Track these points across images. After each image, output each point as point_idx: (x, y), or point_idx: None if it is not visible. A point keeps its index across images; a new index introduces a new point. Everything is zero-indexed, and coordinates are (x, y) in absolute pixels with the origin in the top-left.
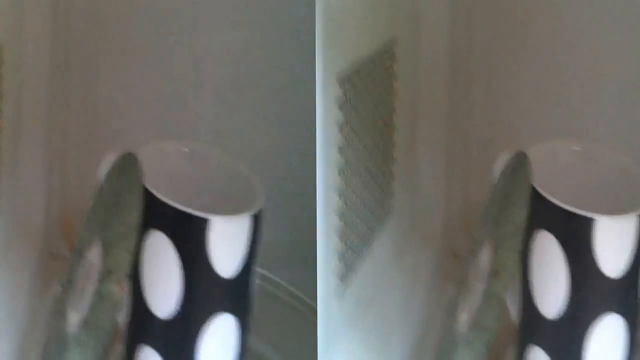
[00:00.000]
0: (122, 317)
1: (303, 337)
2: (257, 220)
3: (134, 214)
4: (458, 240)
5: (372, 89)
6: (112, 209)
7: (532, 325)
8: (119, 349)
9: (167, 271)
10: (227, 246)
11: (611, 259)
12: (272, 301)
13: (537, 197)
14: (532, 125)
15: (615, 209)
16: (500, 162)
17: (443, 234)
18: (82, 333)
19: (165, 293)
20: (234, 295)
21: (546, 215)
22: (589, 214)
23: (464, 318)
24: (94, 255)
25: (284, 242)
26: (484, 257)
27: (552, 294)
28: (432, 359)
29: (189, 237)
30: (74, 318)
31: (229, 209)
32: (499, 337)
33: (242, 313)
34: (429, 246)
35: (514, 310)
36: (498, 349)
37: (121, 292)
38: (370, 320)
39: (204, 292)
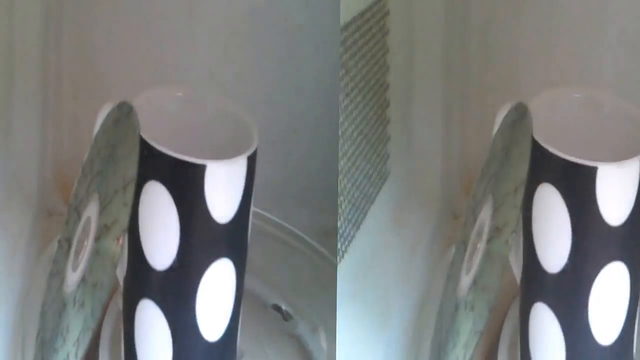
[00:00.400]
0: (121, 272)
1: (304, 276)
2: (251, 163)
3: (130, 166)
4: (458, 202)
5: (363, 45)
6: (108, 162)
7: (535, 281)
8: (119, 305)
9: (165, 221)
10: (223, 191)
11: (614, 207)
12: (269, 240)
13: (537, 149)
14: (531, 78)
15: (617, 156)
16: (500, 116)
17: (442, 196)
18: (80, 292)
19: (163, 243)
20: (231, 240)
21: (547, 167)
22: (590, 163)
23: (465, 281)
24: (90, 211)
25: (277, 181)
26: (485, 215)
27: (555, 246)
28: (434, 325)
29: (186, 185)
30: (72, 277)
31: (224, 152)
32: (502, 297)
33: (239, 257)
34: (428, 208)
35: (516, 268)
36: (501, 309)
37: (119, 247)
38: (370, 286)
39: (202, 240)
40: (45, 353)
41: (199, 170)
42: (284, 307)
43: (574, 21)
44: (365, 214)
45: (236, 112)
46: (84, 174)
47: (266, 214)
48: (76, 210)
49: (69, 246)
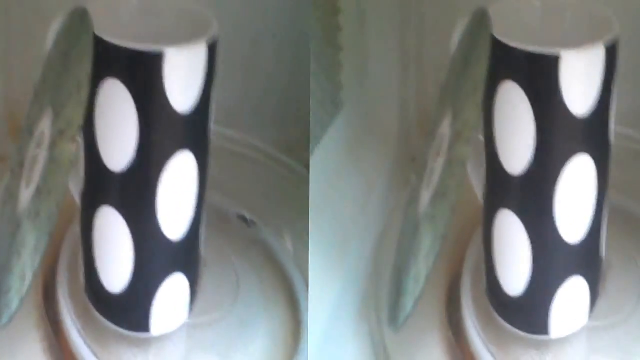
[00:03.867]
0: (76, 180)
1: (266, 186)
2: (211, 52)
3: (85, 67)
4: (415, 143)
5: None
6: (62, 71)
7: (499, 186)
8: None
9: (123, 117)
10: (183, 79)
11: (578, 97)
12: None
13: (497, 47)
14: None
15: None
16: (460, 27)
17: (399, 135)
18: (34, 202)
19: (121, 140)
20: (192, 131)
21: (508, 63)
22: (552, 51)
23: (425, 196)
24: (44, 124)
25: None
26: (444, 127)
27: (519, 146)
28: (393, 257)
29: (144, 76)
30: (25, 194)
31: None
32: (466, 214)
33: (200, 149)
34: (384, 146)
35: (477, 178)
36: (464, 225)
37: (74, 149)
38: (326, 220)
39: (162, 131)
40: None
41: (157, 59)
42: (247, 216)
43: None
44: (318, 142)
45: (194, 9)
46: (36, 95)
47: (228, 130)
48: (29, 131)
49: (21, 167)
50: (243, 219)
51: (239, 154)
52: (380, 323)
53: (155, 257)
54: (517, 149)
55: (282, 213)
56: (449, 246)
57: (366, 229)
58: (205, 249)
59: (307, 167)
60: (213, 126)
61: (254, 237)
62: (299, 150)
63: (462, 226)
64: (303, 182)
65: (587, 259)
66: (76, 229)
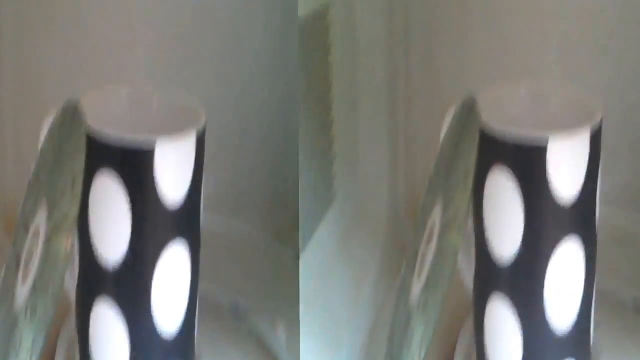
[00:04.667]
0: (72, 275)
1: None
2: (200, 142)
3: (78, 161)
4: (406, 232)
5: (306, 57)
6: (56, 165)
7: (489, 273)
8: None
9: (116, 210)
10: (174, 170)
11: (567, 182)
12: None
13: (486, 135)
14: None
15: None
16: (448, 117)
17: (389, 225)
18: (31, 300)
19: (115, 234)
20: (184, 222)
21: (497, 150)
22: (540, 137)
23: (417, 287)
24: (39, 219)
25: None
26: (435, 215)
27: (508, 233)
28: (385, 348)
29: (136, 168)
30: (22, 291)
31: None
32: (455, 302)
33: (193, 238)
34: (375, 236)
35: (466, 268)
36: (454, 313)
37: (69, 243)
38: (318, 312)
39: (155, 223)
40: None
41: (148, 151)
42: (241, 305)
43: (519, 29)
44: (310, 234)
45: (183, 102)
46: (30, 190)
47: (217, 217)
48: (24, 226)
49: (18, 263)
50: (236, 308)
51: (229, 241)
52: None
53: (151, 352)
54: (507, 237)
55: (273, 300)
56: (439, 334)
57: (358, 321)
58: (199, 340)
59: (297, 252)
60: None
61: (247, 328)
62: (288, 237)
63: (451, 314)
64: (294, 268)
65: (577, 345)
66: (72, 324)
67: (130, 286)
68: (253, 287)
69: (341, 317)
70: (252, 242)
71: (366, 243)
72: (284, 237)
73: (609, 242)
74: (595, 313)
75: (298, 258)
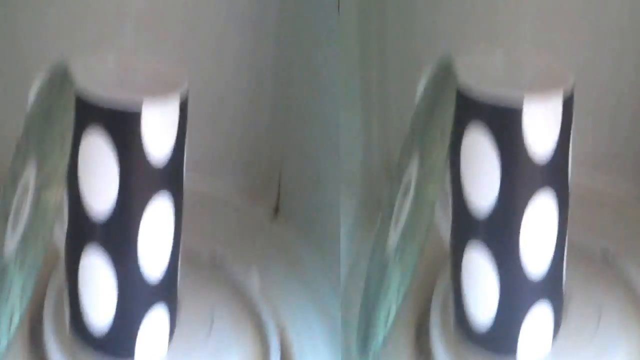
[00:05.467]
0: (60, 226)
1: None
2: (184, 105)
3: (67, 120)
4: (381, 190)
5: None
6: (45, 124)
7: (466, 224)
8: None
9: (104, 166)
10: (159, 130)
11: (540, 141)
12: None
13: (463, 94)
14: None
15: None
16: (425, 75)
17: (364, 181)
18: (20, 250)
19: (103, 188)
20: (168, 178)
21: (474, 109)
22: (517, 97)
23: (393, 237)
24: (28, 175)
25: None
26: (412, 170)
27: (484, 185)
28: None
29: (123, 128)
30: (11, 241)
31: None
32: (431, 251)
33: (176, 191)
34: (350, 191)
35: (442, 219)
36: (430, 262)
37: (59, 197)
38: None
39: (140, 180)
40: None
41: (135, 112)
42: (218, 253)
43: None
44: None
45: (167, 67)
46: (19, 148)
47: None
48: (12, 183)
49: (7, 215)
50: (213, 256)
51: (209, 198)
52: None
53: (137, 295)
54: (483, 189)
55: (248, 252)
56: (416, 283)
57: (334, 270)
58: (180, 287)
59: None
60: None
61: (224, 274)
62: (263, 196)
63: (428, 263)
64: (267, 224)
65: (550, 290)
66: (60, 272)
67: (118, 236)
68: (230, 239)
69: (316, 267)
70: (229, 200)
71: (342, 195)
72: (259, 196)
73: (582, 200)
74: (566, 262)
75: (271, 215)
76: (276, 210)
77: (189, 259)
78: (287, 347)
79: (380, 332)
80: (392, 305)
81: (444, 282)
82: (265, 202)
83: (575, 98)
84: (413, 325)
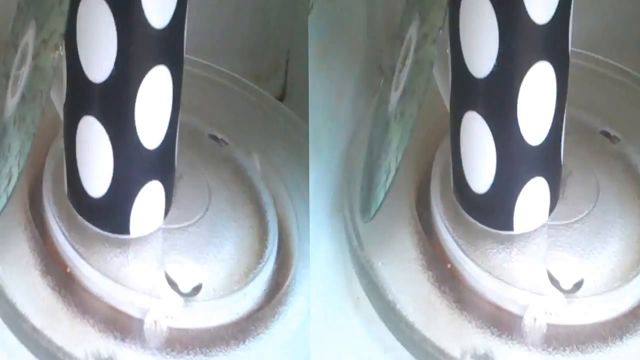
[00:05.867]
0: (60, 91)
1: (238, 111)
2: None
3: None
4: (383, 52)
5: None
6: None
7: (465, 89)
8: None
9: (102, 29)
10: None
11: (540, 5)
12: (205, 83)
13: None
14: None
15: None
16: None
17: (367, 45)
18: (19, 110)
19: (101, 52)
20: (168, 47)
21: None
22: None
23: (394, 96)
24: (28, 36)
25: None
26: (412, 31)
27: (483, 50)
28: (364, 155)
29: None
30: (11, 102)
31: None
32: (434, 117)
33: (175, 64)
34: (354, 56)
35: (443, 85)
36: (433, 128)
37: (57, 57)
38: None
39: (140, 46)
40: None
41: None
42: (219, 136)
43: None
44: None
45: None
46: (19, 10)
47: (198, 59)
48: (13, 45)
49: (7, 77)
50: (215, 138)
51: (212, 81)
52: (353, 217)
53: (134, 164)
54: (482, 54)
55: (251, 136)
56: (418, 147)
57: (337, 131)
58: (179, 163)
59: (276, 95)
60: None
61: (225, 155)
62: (267, 80)
63: (430, 128)
64: (270, 108)
65: (547, 161)
66: (60, 139)
67: (115, 103)
68: (233, 122)
69: (322, 127)
70: (235, 84)
71: (344, 61)
72: (263, 80)
73: (586, 81)
74: (566, 137)
75: (276, 101)
76: (282, 97)
77: (191, 137)
78: (285, 226)
79: (381, 190)
80: (391, 164)
81: (445, 147)
82: (272, 89)
83: None
84: (414, 189)
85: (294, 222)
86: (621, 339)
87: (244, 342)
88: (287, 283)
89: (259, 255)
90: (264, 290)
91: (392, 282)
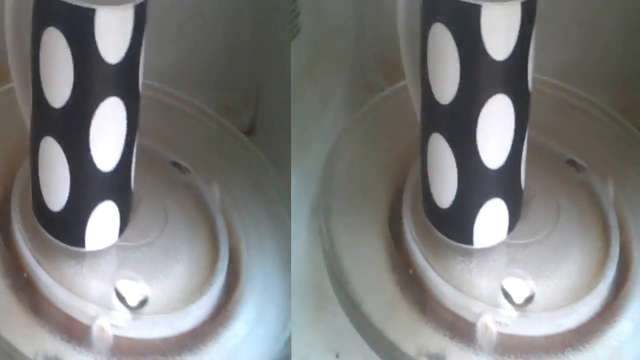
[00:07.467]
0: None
1: (202, 140)
2: (140, 12)
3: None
4: (370, 70)
5: None
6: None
7: (430, 113)
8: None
9: (60, 62)
10: (113, 34)
11: (498, 43)
12: (171, 111)
13: None
14: None
15: None
16: None
17: (354, 62)
18: None
19: (59, 83)
20: (121, 80)
21: (438, 8)
22: (475, 1)
23: None
24: None
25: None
26: None
27: (445, 79)
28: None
29: (78, 29)
30: None
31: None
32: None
33: (129, 96)
34: (338, 71)
35: (417, 103)
36: (408, 145)
37: None
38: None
39: (93, 78)
40: None
41: (89, 14)
42: (182, 164)
43: None
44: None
45: None
46: None
47: (170, 89)
48: None
49: None
50: (177, 165)
51: (180, 111)
52: (328, 221)
53: (88, 184)
54: (445, 83)
55: (213, 165)
56: (393, 163)
57: (319, 141)
58: (140, 186)
59: (246, 127)
60: (148, 80)
61: (185, 182)
62: (236, 111)
63: (405, 146)
64: (235, 141)
65: (506, 184)
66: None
67: (71, 127)
68: (196, 150)
69: (304, 136)
70: (204, 116)
71: (329, 76)
72: (230, 112)
73: (558, 110)
74: (529, 162)
75: (245, 132)
76: (252, 129)
77: (155, 165)
78: (237, 255)
79: None
80: None
81: (418, 164)
82: (241, 121)
83: (543, 7)
84: (388, 203)
85: (245, 252)
86: (564, 353)
87: (181, 356)
88: (230, 307)
89: (207, 278)
90: (207, 311)
91: (359, 283)
